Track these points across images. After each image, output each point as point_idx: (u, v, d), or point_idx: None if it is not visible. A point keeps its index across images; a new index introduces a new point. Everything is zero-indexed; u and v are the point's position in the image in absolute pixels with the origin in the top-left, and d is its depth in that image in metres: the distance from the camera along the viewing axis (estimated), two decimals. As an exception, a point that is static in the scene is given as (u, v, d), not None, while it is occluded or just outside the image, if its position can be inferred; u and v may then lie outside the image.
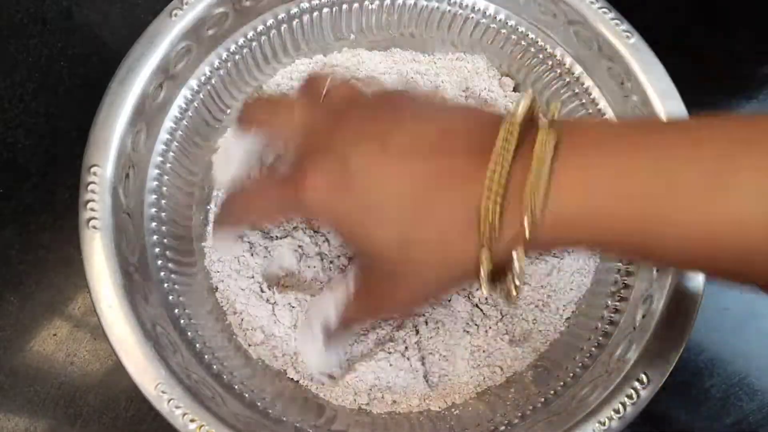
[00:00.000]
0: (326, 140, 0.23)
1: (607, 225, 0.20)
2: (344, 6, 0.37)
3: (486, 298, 0.33)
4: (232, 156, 0.28)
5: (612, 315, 0.32)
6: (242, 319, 0.32)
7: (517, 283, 0.21)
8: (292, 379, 0.32)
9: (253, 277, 0.33)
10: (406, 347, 0.32)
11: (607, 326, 0.31)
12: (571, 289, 0.33)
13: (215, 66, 0.35)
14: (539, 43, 0.37)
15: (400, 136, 0.22)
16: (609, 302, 0.32)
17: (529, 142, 0.20)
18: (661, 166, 0.19)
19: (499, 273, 0.22)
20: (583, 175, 0.20)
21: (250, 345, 0.32)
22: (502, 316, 0.33)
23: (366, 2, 0.37)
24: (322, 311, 0.26)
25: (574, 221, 0.20)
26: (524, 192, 0.20)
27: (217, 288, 0.33)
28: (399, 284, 0.24)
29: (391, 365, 0.31)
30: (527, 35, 0.37)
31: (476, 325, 0.32)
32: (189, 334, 0.30)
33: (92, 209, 0.28)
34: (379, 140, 0.22)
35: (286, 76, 0.37)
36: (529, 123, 0.21)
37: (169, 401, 0.26)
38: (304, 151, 0.24)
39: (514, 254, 0.21)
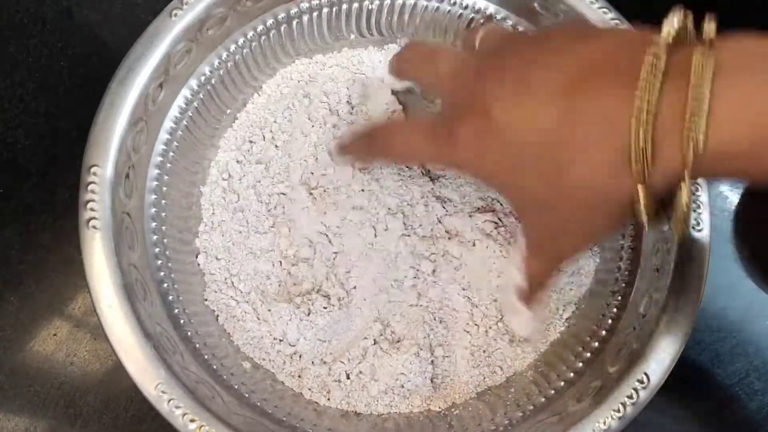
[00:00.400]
0: (471, 92, 0.23)
1: None
2: (344, 6, 0.37)
3: (489, 299, 0.33)
4: (381, 96, 0.30)
5: (612, 315, 0.32)
6: (236, 320, 0.32)
7: (681, 215, 0.21)
8: (283, 383, 0.32)
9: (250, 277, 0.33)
10: (420, 348, 0.32)
11: (607, 326, 0.31)
12: (571, 290, 0.33)
13: (215, 66, 0.35)
14: (539, 43, 0.37)
15: (540, 73, 0.22)
16: (609, 302, 0.32)
17: (681, 65, 0.19)
18: None
19: (660, 204, 0.21)
20: (747, 99, 0.18)
21: (243, 344, 0.32)
22: (502, 316, 0.33)
23: (366, 2, 0.37)
24: (510, 282, 0.27)
25: (737, 149, 0.19)
26: (684, 120, 0.18)
27: (212, 289, 0.33)
28: (567, 229, 0.24)
29: (403, 366, 0.31)
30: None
31: (476, 325, 0.32)
32: (189, 334, 0.30)
33: (92, 209, 0.28)
34: (518, 82, 0.22)
35: (286, 76, 0.37)
36: (680, 42, 0.20)
37: (169, 401, 0.26)
38: (451, 103, 0.24)
39: (682, 185, 0.20)
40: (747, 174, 0.21)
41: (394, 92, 0.33)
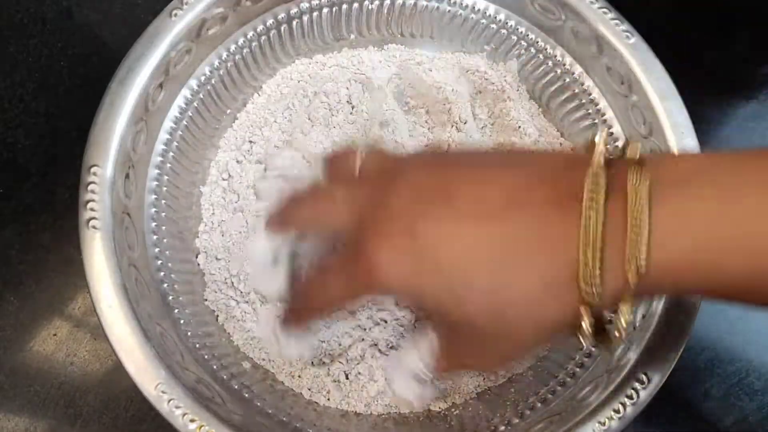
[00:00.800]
0: (383, 213, 0.21)
1: (718, 266, 0.18)
2: (344, 6, 0.37)
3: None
4: (277, 263, 0.27)
5: (612, 315, 0.32)
6: (236, 320, 0.32)
7: (622, 334, 0.20)
8: (283, 383, 0.32)
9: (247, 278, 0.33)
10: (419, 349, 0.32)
11: (607, 326, 0.31)
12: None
13: (215, 66, 0.35)
14: (539, 44, 0.37)
15: (465, 194, 0.21)
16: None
17: (615, 184, 0.19)
18: (758, 185, 0.18)
19: (597, 323, 0.21)
20: (686, 215, 0.18)
21: (243, 344, 0.32)
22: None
23: (366, 2, 0.37)
24: (408, 368, 0.26)
25: (681, 267, 0.19)
26: (625, 242, 0.18)
27: (212, 289, 0.33)
28: (492, 346, 0.22)
29: (398, 369, 0.31)
30: (527, 35, 0.37)
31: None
32: (189, 334, 0.30)
33: (92, 209, 0.28)
34: (442, 203, 0.21)
35: (286, 76, 0.37)
36: (611, 161, 0.20)
37: (169, 401, 0.26)
38: (360, 234, 0.22)
39: (621, 308, 0.20)
40: (693, 288, 0.21)
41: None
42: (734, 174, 0.18)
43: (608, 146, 0.20)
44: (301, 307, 0.26)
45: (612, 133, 0.33)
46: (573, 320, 0.20)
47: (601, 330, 0.21)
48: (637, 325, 0.30)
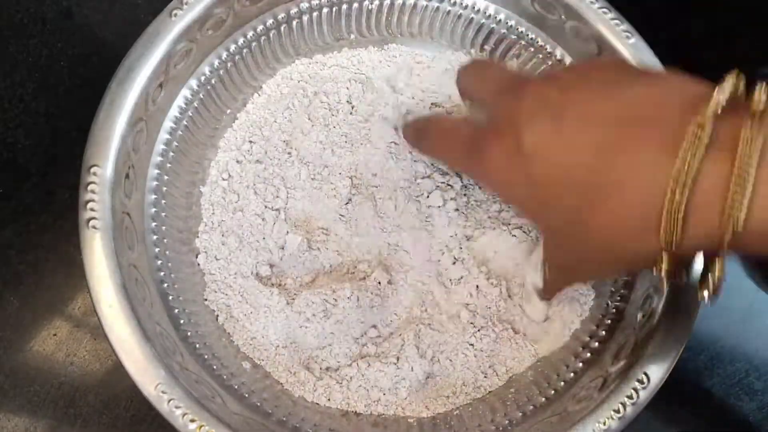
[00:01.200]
0: (507, 111, 0.23)
1: None
2: (344, 6, 0.37)
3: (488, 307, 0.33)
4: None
5: (612, 315, 0.32)
6: (236, 320, 0.32)
7: (713, 288, 0.20)
8: (283, 383, 0.32)
9: (248, 276, 0.33)
10: (420, 349, 0.32)
11: (607, 326, 0.31)
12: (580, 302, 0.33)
13: (215, 66, 0.35)
14: (539, 43, 0.37)
15: (575, 108, 0.21)
16: (609, 302, 0.32)
17: (727, 137, 0.18)
18: None
19: (679, 264, 0.21)
20: None
21: (243, 344, 0.32)
22: (503, 321, 0.33)
23: (366, 2, 0.37)
24: (528, 280, 0.30)
25: None
26: (725, 195, 0.18)
27: (212, 289, 0.33)
28: (582, 264, 0.24)
29: (403, 367, 0.31)
30: (527, 35, 0.37)
31: (476, 326, 0.32)
32: (189, 334, 0.30)
33: (92, 209, 0.28)
34: (554, 111, 0.21)
35: (286, 76, 0.37)
36: (730, 107, 0.19)
37: (169, 401, 0.26)
38: (491, 119, 0.24)
39: (717, 260, 0.20)
40: None
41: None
42: None
43: (733, 89, 0.19)
44: (421, 138, 0.30)
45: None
46: (651, 260, 0.20)
47: (683, 270, 0.21)
48: (637, 325, 0.30)
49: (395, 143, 0.34)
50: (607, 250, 0.21)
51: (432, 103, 0.37)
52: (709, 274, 0.20)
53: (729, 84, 0.19)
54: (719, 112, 0.18)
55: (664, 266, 0.20)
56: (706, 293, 0.21)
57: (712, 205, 0.18)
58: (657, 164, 0.19)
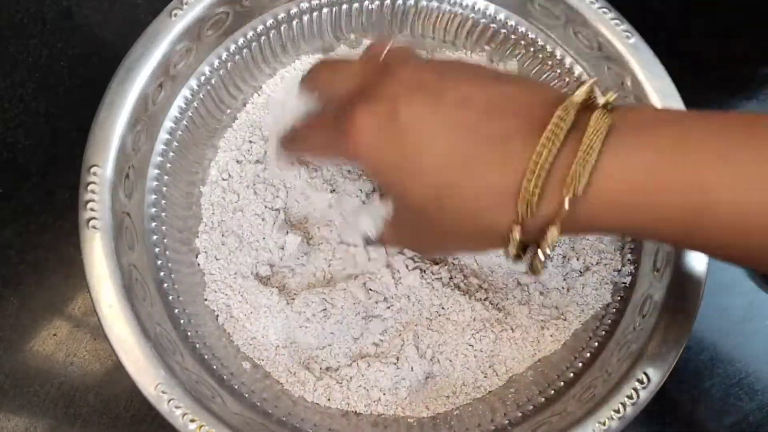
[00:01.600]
0: (379, 86, 0.23)
1: (650, 206, 0.20)
2: (344, 6, 0.37)
3: (487, 299, 0.33)
4: (287, 109, 0.30)
5: (612, 315, 0.32)
6: (236, 320, 0.32)
7: (542, 259, 0.22)
8: (283, 383, 0.32)
9: (248, 277, 0.33)
10: (420, 349, 0.32)
11: (607, 326, 0.31)
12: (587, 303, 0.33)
13: (215, 66, 0.35)
14: (539, 43, 0.37)
15: (454, 93, 0.22)
16: (609, 302, 0.32)
17: (582, 126, 0.20)
18: (715, 145, 0.19)
19: (529, 244, 0.22)
20: (631, 154, 0.20)
21: (243, 344, 0.32)
22: (504, 323, 0.33)
23: (366, 2, 0.37)
24: (361, 224, 0.29)
25: (615, 202, 0.20)
26: (569, 171, 0.20)
27: (212, 289, 0.33)
28: (428, 232, 0.25)
29: (403, 367, 0.31)
30: (527, 35, 0.37)
31: (476, 326, 0.32)
32: (189, 334, 0.30)
33: (92, 209, 0.28)
34: (433, 91, 0.22)
35: (286, 76, 0.37)
36: (587, 109, 0.21)
37: (169, 401, 0.26)
38: (357, 96, 0.24)
39: (549, 231, 0.21)
40: (627, 228, 0.22)
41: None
42: (693, 128, 0.19)
43: (593, 96, 0.22)
44: (295, 139, 0.29)
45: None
46: (504, 234, 0.22)
47: (533, 253, 0.22)
48: (637, 325, 0.30)
49: None
50: (465, 224, 0.22)
51: None
52: (543, 244, 0.21)
53: (587, 86, 0.21)
54: (579, 103, 0.21)
55: (516, 239, 0.21)
56: (539, 268, 0.22)
57: (560, 183, 0.20)
58: (522, 147, 0.21)
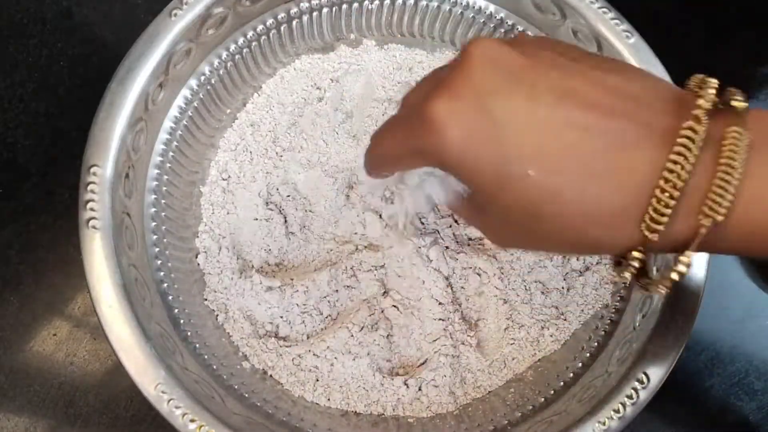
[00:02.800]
0: (457, 71, 0.19)
1: None
2: (344, 6, 0.37)
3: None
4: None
5: (612, 315, 0.32)
6: (236, 320, 0.32)
7: (670, 282, 0.19)
8: (283, 383, 0.32)
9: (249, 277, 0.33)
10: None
11: (607, 326, 0.31)
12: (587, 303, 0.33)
13: (215, 66, 0.35)
14: (539, 43, 0.37)
15: (552, 79, 0.19)
16: (609, 302, 0.32)
17: (715, 138, 0.18)
18: None
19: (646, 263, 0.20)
20: None
21: (243, 344, 0.32)
22: (505, 327, 0.33)
23: (366, 2, 0.37)
24: (427, 189, 0.25)
25: (759, 229, 0.18)
26: (705, 193, 0.18)
27: (211, 289, 0.33)
28: (514, 230, 0.21)
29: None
30: (527, 35, 0.37)
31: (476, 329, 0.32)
32: (189, 334, 0.30)
33: (92, 209, 0.28)
34: (524, 79, 0.19)
35: (286, 76, 0.37)
36: (714, 112, 0.18)
37: (169, 401, 0.26)
38: (433, 87, 0.20)
39: (682, 258, 0.19)
40: (762, 251, 0.19)
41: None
42: None
43: (715, 92, 0.19)
44: (372, 157, 0.24)
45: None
46: (621, 253, 0.19)
47: (645, 272, 0.20)
48: (637, 325, 0.30)
49: None
50: (565, 235, 0.19)
51: None
52: (678, 268, 0.19)
53: (712, 89, 0.19)
54: (705, 114, 0.18)
55: (636, 259, 0.19)
56: (659, 289, 0.20)
57: (694, 205, 0.18)
58: (646, 160, 0.18)
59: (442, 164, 0.20)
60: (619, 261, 0.20)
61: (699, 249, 0.19)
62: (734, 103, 0.18)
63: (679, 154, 0.18)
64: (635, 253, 0.19)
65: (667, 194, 0.18)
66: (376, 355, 0.32)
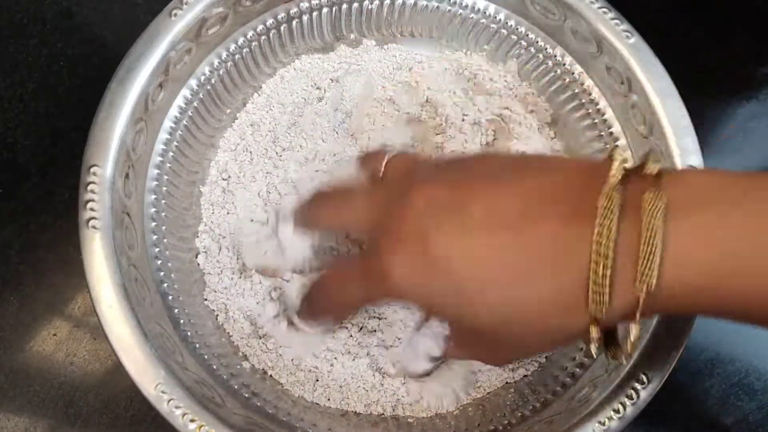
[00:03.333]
0: (398, 221, 0.22)
1: (731, 288, 0.18)
2: (344, 6, 0.37)
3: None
4: (294, 251, 0.28)
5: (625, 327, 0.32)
6: (236, 320, 0.32)
7: (629, 350, 0.21)
8: (283, 383, 0.32)
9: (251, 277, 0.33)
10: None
11: (619, 339, 0.31)
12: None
13: (215, 66, 0.35)
14: (539, 43, 0.37)
15: (479, 205, 0.21)
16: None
17: (633, 203, 0.19)
18: None
19: (608, 335, 0.21)
20: (700, 236, 0.18)
21: (243, 344, 0.32)
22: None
23: (366, 2, 0.37)
24: (420, 349, 0.28)
25: (693, 286, 0.19)
26: (637, 262, 0.18)
27: (211, 289, 0.33)
28: (498, 345, 0.23)
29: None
30: (527, 35, 0.37)
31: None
32: (189, 334, 0.30)
33: (92, 209, 0.28)
34: (455, 214, 0.21)
35: (286, 76, 0.37)
36: (631, 175, 0.20)
37: (169, 401, 0.26)
38: (375, 236, 0.23)
39: (631, 326, 0.20)
40: (704, 308, 0.20)
41: (312, 252, 0.29)
42: (757, 195, 0.18)
43: (625, 161, 0.20)
44: (317, 307, 0.27)
45: (623, 148, 0.34)
46: (581, 334, 0.20)
47: (612, 341, 0.21)
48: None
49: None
50: (536, 335, 0.21)
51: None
52: (628, 339, 0.20)
53: (618, 162, 0.20)
54: (619, 179, 0.19)
55: (595, 337, 0.20)
56: (623, 358, 0.22)
57: (629, 274, 0.19)
58: (573, 241, 0.19)
59: (401, 300, 0.23)
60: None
61: (646, 315, 0.19)
62: (647, 168, 0.20)
63: (601, 226, 0.19)
64: (592, 332, 0.20)
65: (600, 271, 0.19)
66: (376, 355, 0.32)
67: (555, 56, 0.36)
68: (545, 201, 0.20)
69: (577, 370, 0.31)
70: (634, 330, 0.20)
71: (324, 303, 0.27)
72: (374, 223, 0.23)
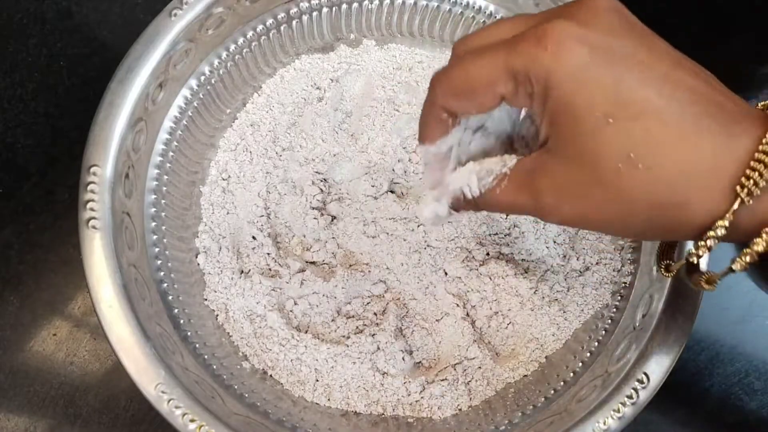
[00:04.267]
0: (589, 12, 0.20)
1: None
2: (344, 6, 0.37)
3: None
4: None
5: (612, 315, 0.32)
6: (235, 320, 0.32)
7: (744, 264, 0.19)
8: (283, 383, 0.32)
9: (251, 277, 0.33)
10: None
11: (607, 326, 0.31)
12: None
13: (215, 66, 0.35)
14: (539, 43, 0.37)
15: (671, 50, 0.20)
16: (609, 302, 0.32)
17: None
18: None
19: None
20: None
21: (243, 344, 0.32)
22: (506, 331, 0.33)
23: (365, 2, 0.37)
24: (456, 182, 0.23)
25: None
26: None
27: (211, 289, 0.33)
28: (593, 192, 0.20)
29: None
30: (527, 35, 0.37)
31: (473, 328, 0.32)
32: (189, 334, 0.30)
33: (92, 209, 0.28)
34: (648, 43, 0.20)
35: (286, 76, 0.37)
36: None
37: (169, 401, 0.26)
38: (552, 16, 0.20)
39: (764, 232, 0.18)
40: None
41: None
42: None
43: None
44: (448, 83, 0.21)
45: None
46: (698, 222, 0.19)
47: (695, 267, 0.20)
48: (637, 325, 0.30)
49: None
50: (666, 192, 0.19)
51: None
52: (750, 248, 0.19)
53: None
54: None
55: (716, 235, 0.19)
56: (737, 266, 0.20)
57: None
58: (745, 132, 0.19)
59: (545, 83, 0.19)
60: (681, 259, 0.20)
61: None
62: None
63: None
64: (720, 222, 0.19)
65: (762, 164, 0.18)
66: (376, 358, 0.32)
67: (555, 56, 0.36)
68: (722, 88, 0.20)
69: (577, 369, 0.31)
70: (758, 244, 0.19)
71: (462, 76, 0.21)
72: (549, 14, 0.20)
